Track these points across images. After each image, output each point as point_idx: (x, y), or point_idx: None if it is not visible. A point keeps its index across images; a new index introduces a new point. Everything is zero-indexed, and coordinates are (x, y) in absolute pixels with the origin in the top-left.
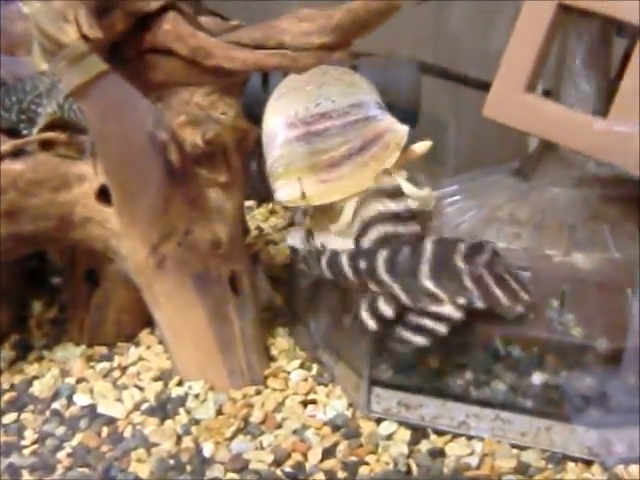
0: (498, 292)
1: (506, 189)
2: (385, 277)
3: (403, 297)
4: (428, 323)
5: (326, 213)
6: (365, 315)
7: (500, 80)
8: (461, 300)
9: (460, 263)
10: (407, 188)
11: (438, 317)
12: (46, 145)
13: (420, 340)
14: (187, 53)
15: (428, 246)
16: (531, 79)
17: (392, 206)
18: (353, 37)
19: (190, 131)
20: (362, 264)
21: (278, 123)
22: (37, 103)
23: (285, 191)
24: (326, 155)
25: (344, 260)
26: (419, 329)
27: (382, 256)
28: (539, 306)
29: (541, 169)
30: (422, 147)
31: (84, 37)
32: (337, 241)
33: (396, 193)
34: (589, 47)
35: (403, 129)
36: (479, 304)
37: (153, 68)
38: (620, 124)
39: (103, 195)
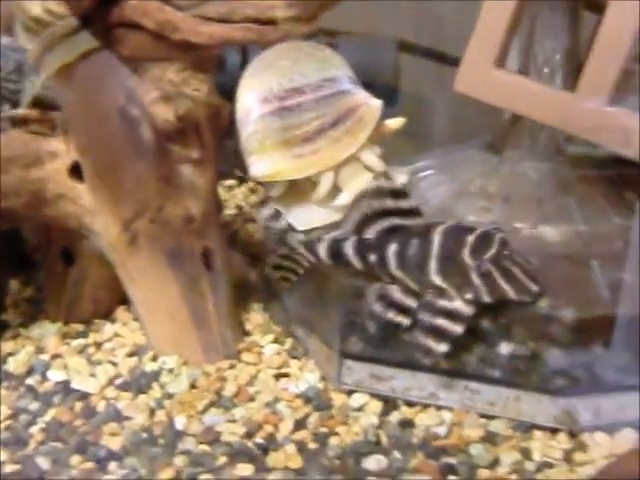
0: (505, 286)
1: (477, 163)
2: (397, 272)
3: (415, 289)
4: (443, 323)
5: (299, 188)
6: (387, 312)
7: (470, 55)
8: (468, 295)
9: (467, 259)
10: (373, 161)
11: (450, 314)
12: (18, 122)
13: (442, 348)
14: (154, 27)
15: (436, 239)
16: (500, 54)
17: (393, 205)
18: (319, 11)
19: (162, 107)
20: (372, 257)
21: (252, 99)
22: (9, 80)
23: (259, 167)
24: (300, 130)
25: (349, 250)
26: (436, 332)
27: (391, 249)
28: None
29: (511, 143)
30: (396, 123)
31: (49, 11)
32: (311, 214)
33: (397, 192)
34: (559, 22)
35: (377, 103)
36: (487, 299)
37: (121, 43)
38: (587, 98)
39: (75, 172)
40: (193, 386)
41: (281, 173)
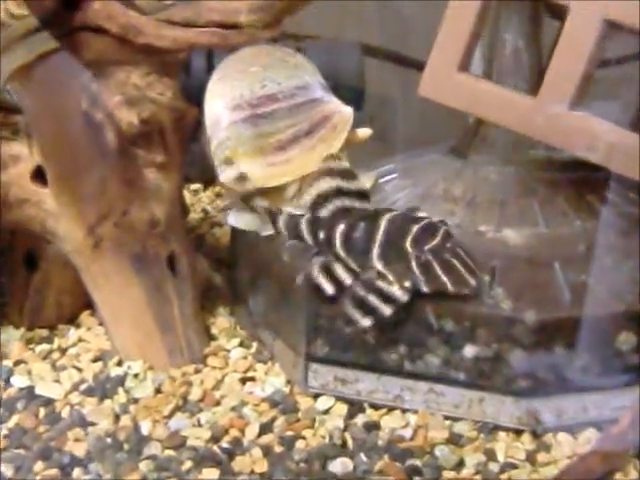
0: (444, 278)
1: (441, 167)
2: (340, 251)
3: (356, 269)
4: (374, 301)
5: (269, 193)
6: (321, 278)
7: (434, 59)
8: (407, 283)
9: (409, 247)
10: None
11: (384, 296)
12: None
13: (365, 322)
14: (118, 31)
15: (382, 225)
16: (464, 58)
17: (345, 185)
18: (283, 15)
19: (126, 111)
20: (321, 234)
21: (222, 105)
22: None
23: (230, 174)
24: (273, 138)
25: (304, 226)
26: (365, 307)
27: (339, 229)
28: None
29: (475, 147)
30: (364, 133)
31: (10, 15)
32: None
33: (347, 173)
34: (521, 27)
35: (349, 111)
36: (424, 289)
37: (84, 47)
38: (549, 103)
39: (39, 176)
40: (158, 391)
41: (254, 181)
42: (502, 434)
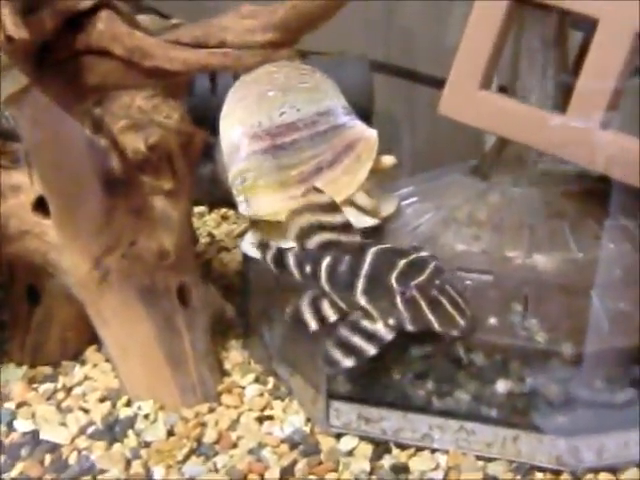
0: (430, 317)
1: (463, 189)
2: (325, 285)
3: (342, 306)
4: (358, 342)
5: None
6: (307, 314)
7: (454, 77)
8: (391, 321)
9: (394, 283)
10: (363, 200)
11: (369, 335)
12: None
13: (348, 362)
14: (124, 54)
15: (367, 259)
16: (486, 75)
17: (327, 219)
18: (299, 34)
19: (132, 136)
20: (307, 267)
21: (240, 132)
22: None
23: (252, 206)
24: (295, 170)
25: (291, 260)
26: (348, 348)
27: (324, 263)
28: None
29: (499, 167)
30: (389, 161)
31: (8, 38)
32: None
33: (329, 207)
34: (544, 41)
35: (374, 137)
36: (409, 327)
37: (89, 70)
38: (578, 120)
39: (40, 206)
40: (171, 433)
41: (276, 215)
42: (539, 475)
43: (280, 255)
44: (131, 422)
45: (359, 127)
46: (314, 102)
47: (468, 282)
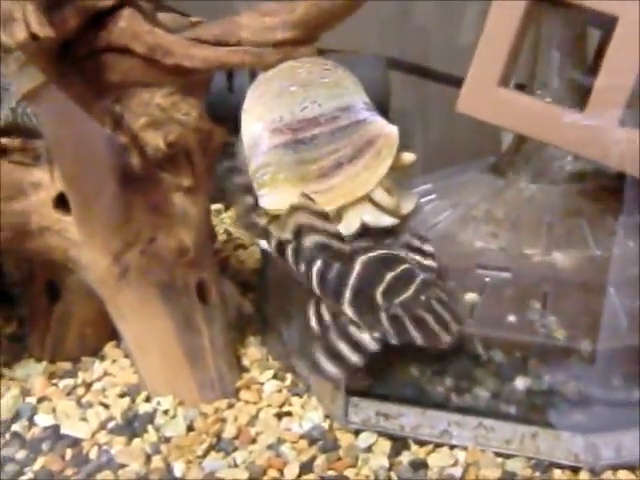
0: (414, 333)
1: (481, 186)
2: (317, 289)
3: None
4: (344, 349)
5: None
6: (311, 316)
7: (473, 74)
8: (376, 334)
9: (379, 298)
10: (382, 198)
11: (355, 344)
12: None
13: (333, 371)
14: (145, 51)
15: (355, 270)
16: (505, 72)
17: (320, 224)
18: (318, 31)
19: (152, 133)
20: (301, 267)
21: (261, 127)
22: None
23: (271, 200)
24: (316, 165)
25: (289, 253)
26: (334, 354)
27: (316, 266)
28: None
29: (517, 165)
30: (409, 157)
31: (33, 36)
32: None
33: (323, 215)
34: (563, 39)
35: (394, 133)
36: (393, 341)
37: (109, 68)
38: (596, 117)
39: (61, 203)
40: (190, 428)
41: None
42: (558, 471)
43: (281, 247)
44: (150, 417)
45: (380, 123)
46: (335, 97)
47: (487, 279)
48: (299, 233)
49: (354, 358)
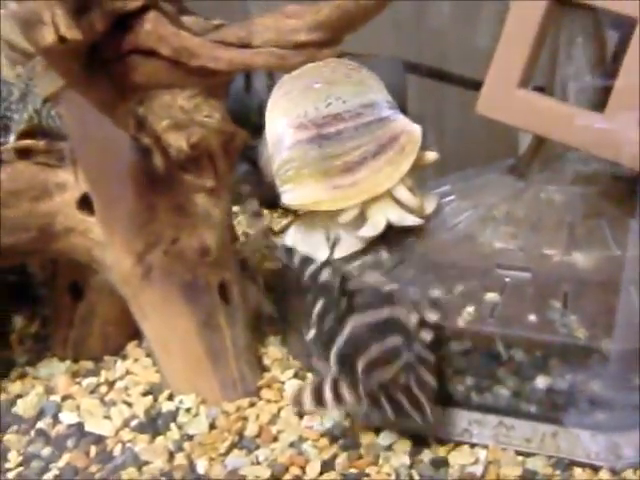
0: (388, 410)
1: (501, 188)
2: (313, 329)
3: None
4: (327, 397)
5: (323, 215)
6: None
7: (493, 76)
8: (355, 395)
9: (359, 371)
10: (406, 197)
11: (337, 395)
12: (24, 153)
13: (308, 406)
14: (170, 54)
15: (345, 331)
16: (525, 74)
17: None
18: (342, 33)
19: (174, 135)
20: (309, 297)
21: (285, 123)
22: (12, 109)
23: (295, 195)
24: (340, 160)
25: (306, 275)
26: (317, 396)
27: (317, 307)
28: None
29: (536, 166)
30: (432, 156)
31: (62, 39)
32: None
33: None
34: (582, 41)
35: (418, 131)
36: (369, 412)
37: (135, 70)
38: (615, 118)
39: (85, 204)
40: (213, 426)
41: (319, 204)
42: (578, 470)
43: (301, 267)
44: (173, 416)
45: (403, 121)
46: (359, 95)
47: (507, 279)
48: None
49: (333, 409)
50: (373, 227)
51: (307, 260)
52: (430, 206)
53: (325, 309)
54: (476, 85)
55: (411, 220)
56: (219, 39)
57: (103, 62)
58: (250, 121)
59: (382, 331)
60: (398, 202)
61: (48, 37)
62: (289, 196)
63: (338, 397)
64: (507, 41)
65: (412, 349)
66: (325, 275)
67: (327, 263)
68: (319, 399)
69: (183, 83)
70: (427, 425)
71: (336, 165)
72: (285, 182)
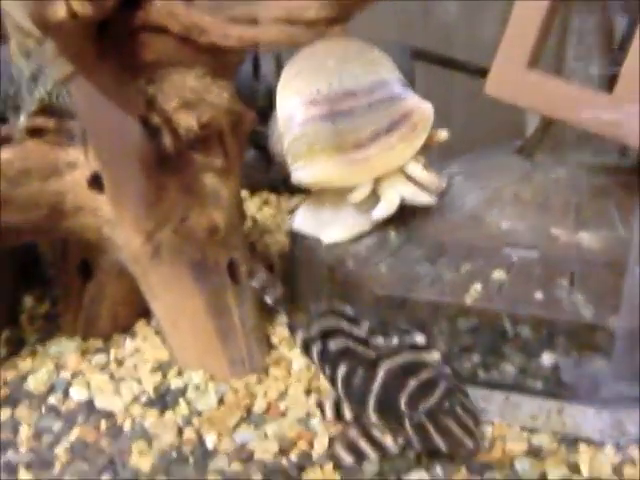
0: (438, 440)
1: (508, 169)
2: (342, 394)
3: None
4: (363, 446)
5: (334, 193)
6: (327, 409)
7: (501, 56)
8: (400, 440)
9: (403, 406)
10: (420, 173)
11: (376, 443)
12: (35, 132)
13: (348, 460)
14: (180, 30)
15: (379, 376)
16: (533, 55)
17: (348, 328)
18: (352, 10)
19: (184, 115)
20: (327, 370)
21: (298, 101)
22: (24, 89)
23: (306, 172)
24: (352, 136)
25: (314, 353)
26: (353, 449)
27: (341, 372)
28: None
29: (544, 148)
30: (442, 135)
31: (73, 14)
32: (340, 221)
33: (352, 319)
34: (591, 24)
35: (429, 109)
36: (417, 447)
37: (145, 47)
38: (623, 100)
39: (95, 182)
40: (221, 402)
41: (330, 179)
42: (583, 446)
43: (306, 344)
44: (182, 392)
45: (415, 98)
46: (371, 73)
47: (515, 258)
48: (325, 335)
49: (372, 454)
50: (387, 206)
51: (308, 338)
52: (441, 184)
53: (350, 370)
54: (482, 72)
55: (424, 197)
56: (229, 16)
57: (114, 38)
58: (258, 106)
59: (413, 368)
60: (411, 179)
61: (60, 12)
62: (300, 174)
63: (375, 444)
64: (516, 22)
65: (445, 379)
66: (341, 342)
67: (330, 333)
68: (356, 452)
69: (193, 60)
70: (476, 449)
71: (348, 141)
72: (297, 159)
